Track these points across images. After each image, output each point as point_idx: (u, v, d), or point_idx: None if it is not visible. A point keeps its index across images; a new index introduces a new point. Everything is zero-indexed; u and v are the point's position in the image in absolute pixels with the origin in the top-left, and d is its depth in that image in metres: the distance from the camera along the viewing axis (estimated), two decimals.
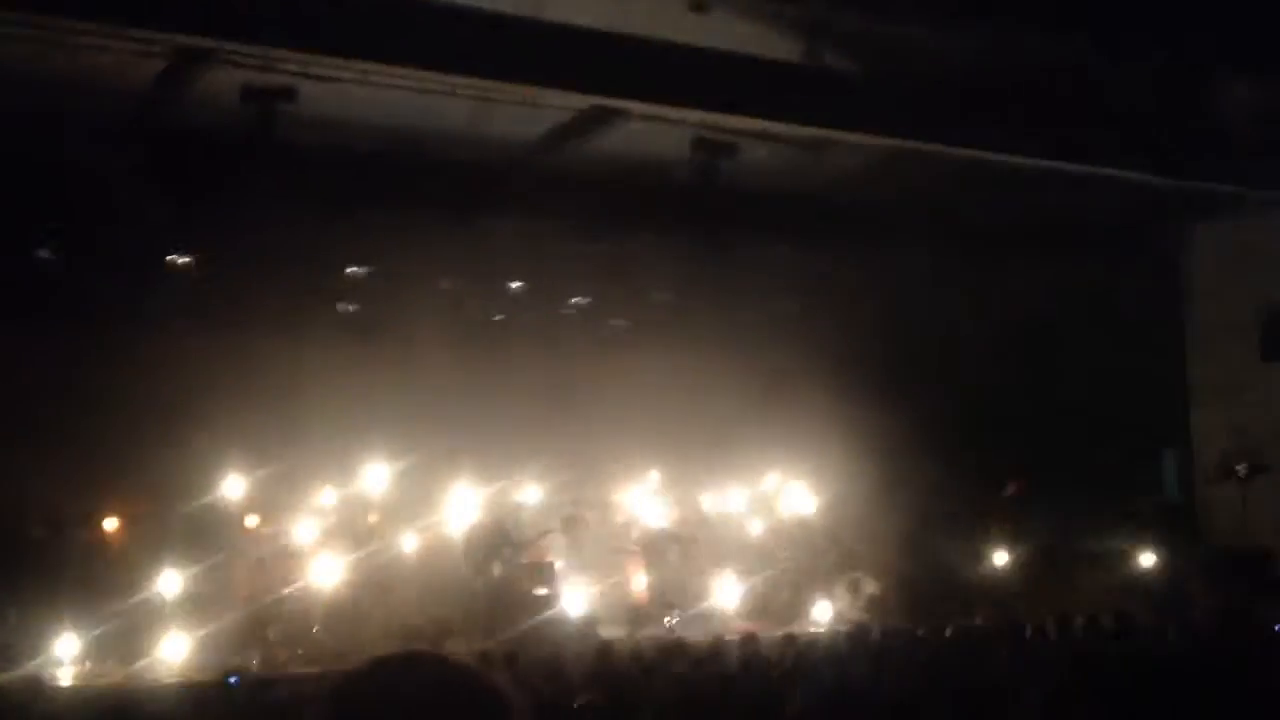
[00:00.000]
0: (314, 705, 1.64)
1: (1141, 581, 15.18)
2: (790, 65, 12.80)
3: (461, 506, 13.81)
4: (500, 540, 13.22)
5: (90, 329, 12.97)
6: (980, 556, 15.16)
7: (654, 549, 14.18)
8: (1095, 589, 14.44)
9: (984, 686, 8.32)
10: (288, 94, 11.69)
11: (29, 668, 10.31)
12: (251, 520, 12.81)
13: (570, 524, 14.28)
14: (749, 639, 10.91)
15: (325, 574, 12.05)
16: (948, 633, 11.36)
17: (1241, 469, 16.63)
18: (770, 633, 12.05)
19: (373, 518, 13.40)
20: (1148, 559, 15.43)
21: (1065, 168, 14.50)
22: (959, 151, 14.01)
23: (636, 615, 13.39)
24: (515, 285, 16.05)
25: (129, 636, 11.06)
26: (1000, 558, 15.09)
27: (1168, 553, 15.58)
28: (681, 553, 14.12)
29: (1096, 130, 14.10)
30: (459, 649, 10.59)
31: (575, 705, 7.75)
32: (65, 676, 10.59)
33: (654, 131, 13.58)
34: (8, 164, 12.12)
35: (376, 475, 13.68)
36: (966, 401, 16.55)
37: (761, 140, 13.83)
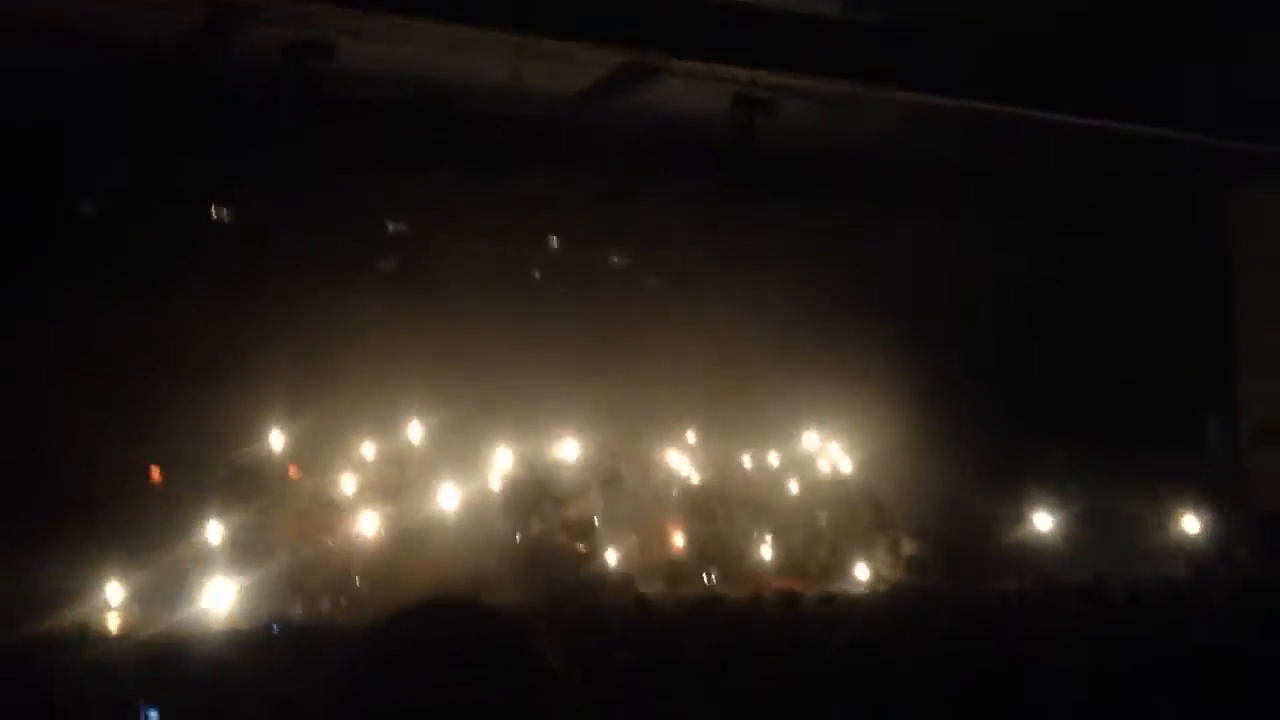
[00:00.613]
0: (353, 647, 1.64)
1: (1183, 547, 15.06)
2: (832, 20, 12.66)
3: (500, 462, 13.88)
4: (539, 496, 13.29)
5: (131, 285, 13.06)
6: (1021, 519, 15.08)
7: (695, 506, 14.20)
8: (1137, 553, 14.35)
9: (1022, 647, 8.30)
10: (326, 51, 11.67)
11: (76, 615, 10.47)
12: (294, 472, 12.94)
13: (608, 481, 14.32)
14: (787, 596, 10.93)
15: (366, 526, 12.17)
16: (987, 594, 11.32)
17: None
18: (808, 591, 12.05)
19: (411, 472, 13.50)
20: (1190, 524, 15.30)
21: (1111, 126, 14.26)
22: (1000, 109, 13.81)
23: (675, 572, 13.42)
24: (553, 243, 16.04)
25: (174, 584, 11.21)
26: (1042, 520, 15.00)
27: (1211, 518, 15.44)
28: (723, 510, 14.15)
29: (1143, 87, 13.86)
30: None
31: (613, 660, 7.79)
32: (110, 624, 10.74)
33: (693, 88, 13.48)
34: (46, 122, 12.21)
35: (415, 430, 13.78)
36: (1009, 363, 16.40)
37: (801, 97, 13.70)
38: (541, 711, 1.58)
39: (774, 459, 15.72)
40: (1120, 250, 17.19)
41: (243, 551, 11.68)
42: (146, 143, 12.86)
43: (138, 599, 11.21)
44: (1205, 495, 15.99)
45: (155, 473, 12.62)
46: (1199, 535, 15.23)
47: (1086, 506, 15.46)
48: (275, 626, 8.46)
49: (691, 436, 15.38)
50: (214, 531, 11.66)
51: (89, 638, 9.59)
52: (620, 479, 14.38)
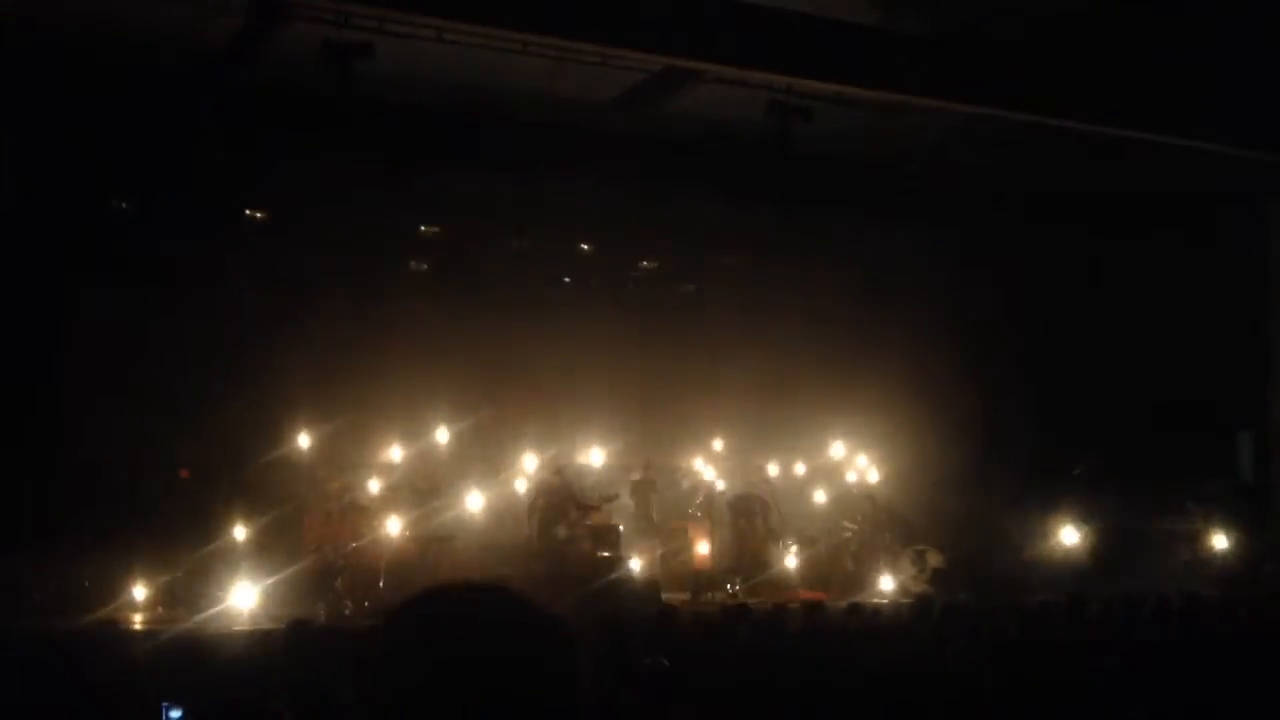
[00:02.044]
0: (376, 632, 1.63)
1: (1212, 563, 14.92)
2: (868, 29, 12.62)
3: (528, 467, 13.90)
4: (566, 501, 13.29)
5: (163, 281, 13.16)
6: (1048, 534, 14.99)
7: (721, 516, 14.17)
8: (1165, 569, 14.23)
9: (1044, 663, 8.23)
10: (365, 51, 11.71)
11: (104, 613, 10.55)
12: (321, 474, 12.99)
13: (640, 487, 14.32)
14: (812, 606, 10.88)
15: (391, 529, 12.19)
16: (1009, 608, 11.22)
17: None
18: (833, 602, 12.00)
19: (439, 475, 13.52)
20: (1219, 541, 15.16)
21: (1146, 138, 14.16)
22: (1035, 119, 13.73)
23: (700, 580, 13.40)
24: (585, 247, 16.05)
25: (200, 584, 11.27)
26: (1069, 536, 14.90)
27: (1240, 535, 15.29)
28: (750, 520, 14.10)
29: (1179, 101, 13.76)
30: None
31: (636, 667, 7.76)
32: (137, 622, 10.82)
33: (728, 94, 13.45)
34: (85, 115, 12.30)
35: (443, 433, 13.80)
36: (1039, 376, 16.31)
37: (837, 104, 13.65)
38: (560, 702, 1.56)
39: (801, 469, 15.69)
40: (1155, 264, 17.05)
41: (269, 552, 11.74)
42: (183, 142, 12.94)
43: (166, 597, 11.30)
44: (1234, 512, 15.85)
45: (185, 473, 12.69)
46: (1227, 552, 15.09)
47: (1114, 521, 15.36)
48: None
49: (719, 444, 15.35)
50: (241, 531, 11.71)
51: (118, 634, 9.63)
52: (648, 486, 14.40)
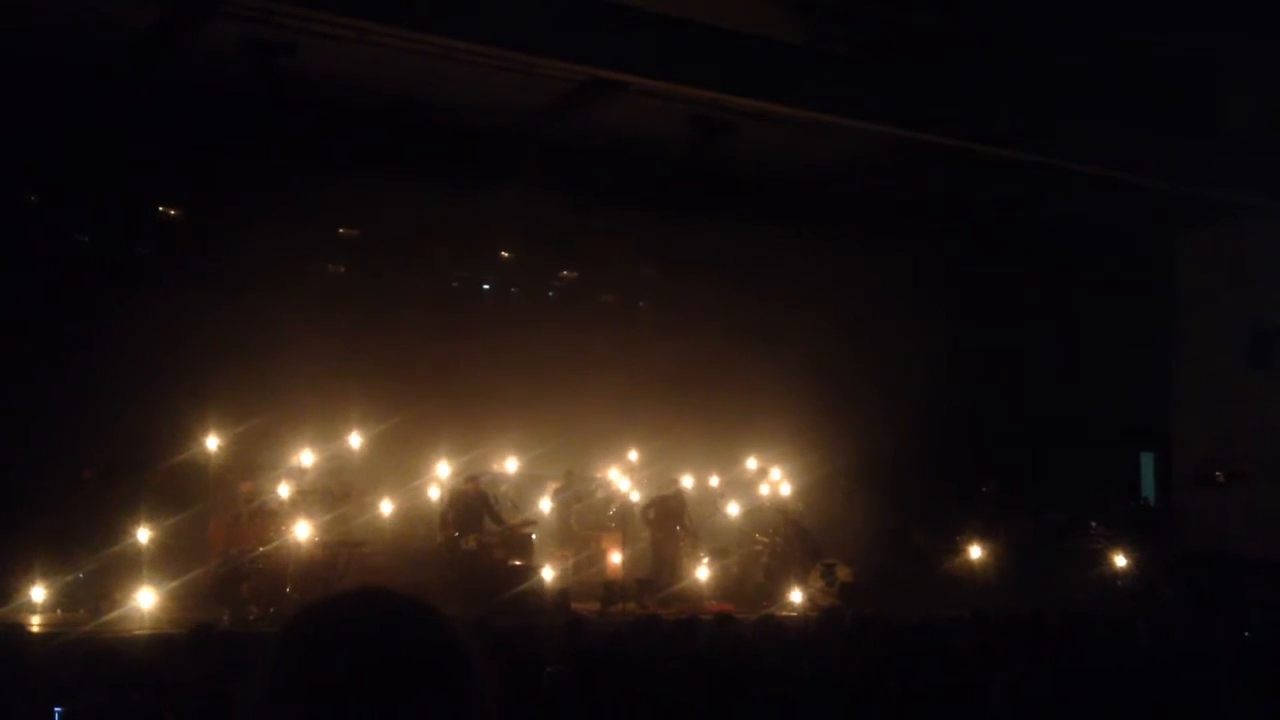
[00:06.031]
0: (270, 640, 1.62)
1: (1114, 582, 15.26)
2: (793, 47, 12.75)
3: (440, 473, 13.82)
4: (481, 510, 13.23)
5: (73, 276, 12.88)
6: (956, 550, 15.23)
7: (634, 526, 14.19)
8: (1068, 587, 14.51)
9: (950, 677, 8.36)
10: (288, 49, 11.58)
11: (1, 613, 10.29)
12: (230, 477, 12.78)
13: (560, 495, 14.30)
14: (722, 618, 10.93)
15: (300, 534, 12.03)
16: (915, 622, 11.38)
17: (1220, 475, 16.69)
18: (743, 614, 12.08)
19: (351, 480, 13.38)
20: (1121, 560, 15.52)
21: (1062, 166, 14.50)
22: (956, 143, 13.98)
23: (611, 590, 13.41)
24: (505, 255, 16.00)
25: (102, 586, 11.04)
26: (976, 552, 15.16)
27: (1141, 555, 15.67)
28: (663, 532, 14.14)
29: (1093, 129, 14.12)
30: None
31: (545, 673, 7.74)
32: (36, 623, 10.57)
33: (652, 107, 13.51)
34: None
35: (356, 438, 13.66)
36: (949, 396, 16.57)
37: (760, 121, 13.78)
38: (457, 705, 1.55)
39: (715, 481, 15.77)
40: (1067, 289, 17.42)
41: (175, 555, 11.53)
42: (97, 137, 12.68)
43: (65, 599, 11.05)
44: (1137, 532, 16.24)
45: (87, 473, 12.40)
46: (1129, 572, 15.45)
47: (1020, 539, 15.65)
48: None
49: (634, 455, 15.40)
50: (146, 533, 11.49)
51: (15, 635, 9.40)
52: (570, 495, 14.40)
